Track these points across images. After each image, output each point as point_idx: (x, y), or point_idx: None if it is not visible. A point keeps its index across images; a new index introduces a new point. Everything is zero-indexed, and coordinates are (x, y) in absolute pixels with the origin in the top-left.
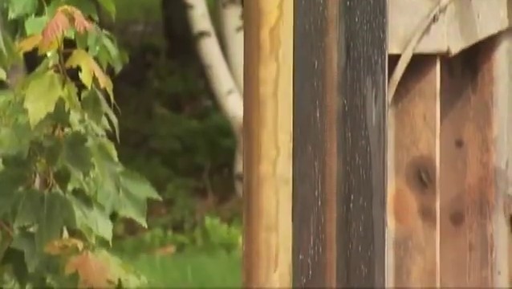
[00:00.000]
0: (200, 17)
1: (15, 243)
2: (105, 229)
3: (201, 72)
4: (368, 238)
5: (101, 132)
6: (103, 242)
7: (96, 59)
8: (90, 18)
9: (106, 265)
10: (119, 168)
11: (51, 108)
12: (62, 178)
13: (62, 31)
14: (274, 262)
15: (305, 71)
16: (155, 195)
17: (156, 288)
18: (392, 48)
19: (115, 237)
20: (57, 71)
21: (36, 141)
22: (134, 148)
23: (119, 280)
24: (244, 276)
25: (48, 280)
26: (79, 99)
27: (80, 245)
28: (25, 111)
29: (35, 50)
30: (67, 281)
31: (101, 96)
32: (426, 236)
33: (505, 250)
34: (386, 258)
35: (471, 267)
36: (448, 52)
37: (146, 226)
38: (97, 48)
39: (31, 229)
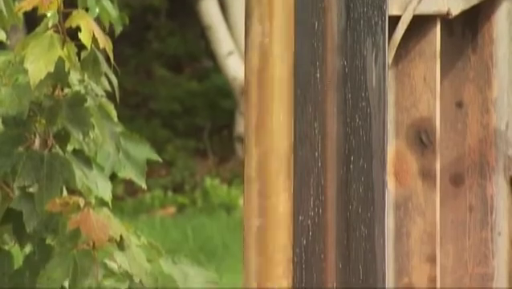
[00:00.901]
0: None
1: (15, 203)
2: (105, 189)
3: (202, 33)
4: (368, 199)
5: (101, 92)
6: (102, 203)
7: (96, 20)
8: None
9: (107, 222)
10: (119, 129)
11: (51, 68)
12: (62, 139)
13: None
14: None
15: (305, 32)
16: (155, 156)
17: (156, 248)
18: (393, 9)
19: (115, 198)
20: (57, 31)
21: (36, 101)
22: (134, 110)
23: (121, 237)
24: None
25: (48, 240)
26: (79, 60)
27: (82, 202)
28: (25, 72)
29: (35, 11)
30: (66, 240)
31: (101, 56)
32: (426, 197)
33: (506, 211)
34: (386, 219)
35: (471, 228)
36: (448, 13)
37: (145, 188)
38: (97, 10)
39: (31, 190)
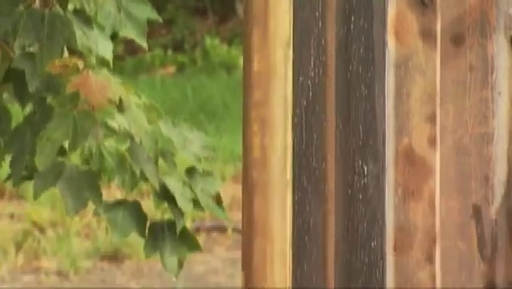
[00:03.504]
0: None
1: (16, 63)
2: (105, 49)
3: None
4: (369, 59)
5: None
6: (103, 63)
7: None
8: None
9: (107, 84)
10: None
11: None
12: None
13: None
14: None
15: None
16: (155, 16)
17: (156, 109)
18: None
19: (115, 57)
20: None
21: None
22: None
23: (120, 98)
24: None
25: (48, 100)
26: None
27: (81, 64)
28: None
29: None
30: (67, 101)
31: None
32: (426, 57)
33: (506, 71)
34: (386, 79)
35: (471, 88)
36: None
37: (146, 48)
38: None
39: (31, 49)
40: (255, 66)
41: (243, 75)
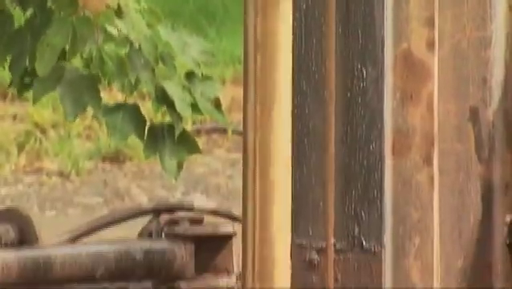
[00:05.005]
0: None
1: None
2: None
3: None
4: None
5: None
6: None
7: None
8: None
9: None
10: None
11: None
12: None
13: None
14: None
15: None
16: None
17: (155, 13)
18: None
19: None
20: None
21: None
22: None
23: (119, 4)
24: None
25: (49, 4)
26: None
27: None
28: None
29: None
30: (66, 5)
31: None
32: None
33: None
34: None
35: None
36: None
37: None
38: None
39: None
40: None
41: None
